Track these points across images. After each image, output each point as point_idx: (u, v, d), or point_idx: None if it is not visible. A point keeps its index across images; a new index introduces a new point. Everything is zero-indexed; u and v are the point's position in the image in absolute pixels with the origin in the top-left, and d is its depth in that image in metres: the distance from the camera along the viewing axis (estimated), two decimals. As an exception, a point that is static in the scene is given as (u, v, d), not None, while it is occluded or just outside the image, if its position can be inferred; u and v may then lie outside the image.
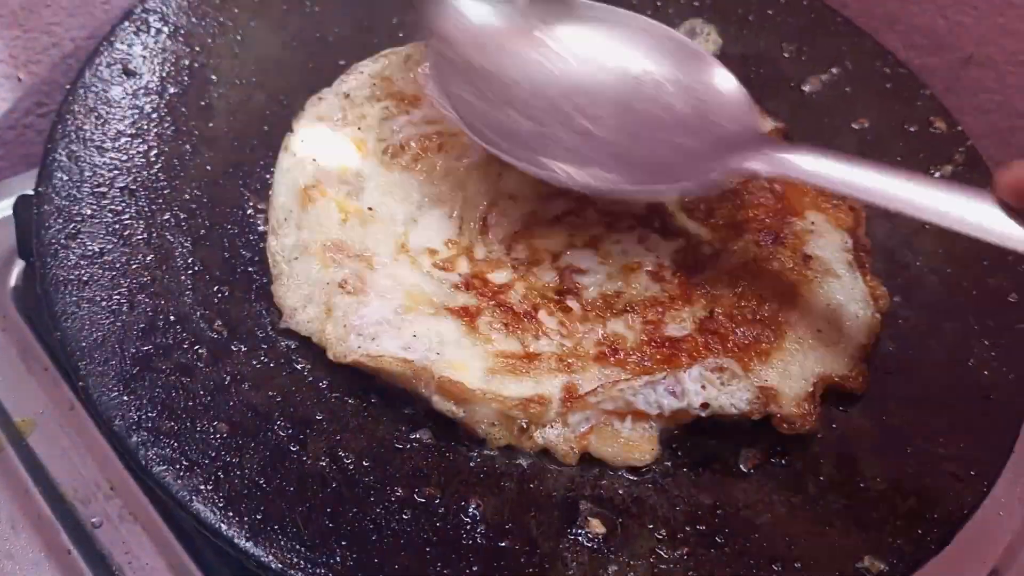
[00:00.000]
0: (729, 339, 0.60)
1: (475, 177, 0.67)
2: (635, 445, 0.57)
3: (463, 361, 0.58)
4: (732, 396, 0.58)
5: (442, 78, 0.66)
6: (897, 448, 0.59)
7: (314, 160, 0.67)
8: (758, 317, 0.61)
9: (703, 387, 0.57)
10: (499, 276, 0.63)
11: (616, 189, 0.62)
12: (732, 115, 0.64)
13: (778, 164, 0.58)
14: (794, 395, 0.58)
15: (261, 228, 0.65)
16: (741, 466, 0.58)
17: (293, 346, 0.59)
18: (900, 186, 0.54)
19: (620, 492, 0.56)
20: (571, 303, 0.62)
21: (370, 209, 0.65)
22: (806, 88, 0.79)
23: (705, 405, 0.58)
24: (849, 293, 0.63)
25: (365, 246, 0.63)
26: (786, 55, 0.81)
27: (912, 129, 0.76)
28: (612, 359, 0.59)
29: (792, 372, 0.59)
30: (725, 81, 0.66)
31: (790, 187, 0.69)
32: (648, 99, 0.66)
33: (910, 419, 0.60)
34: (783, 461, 0.58)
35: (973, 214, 0.52)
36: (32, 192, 0.61)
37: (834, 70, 0.79)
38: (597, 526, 0.54)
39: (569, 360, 0.58)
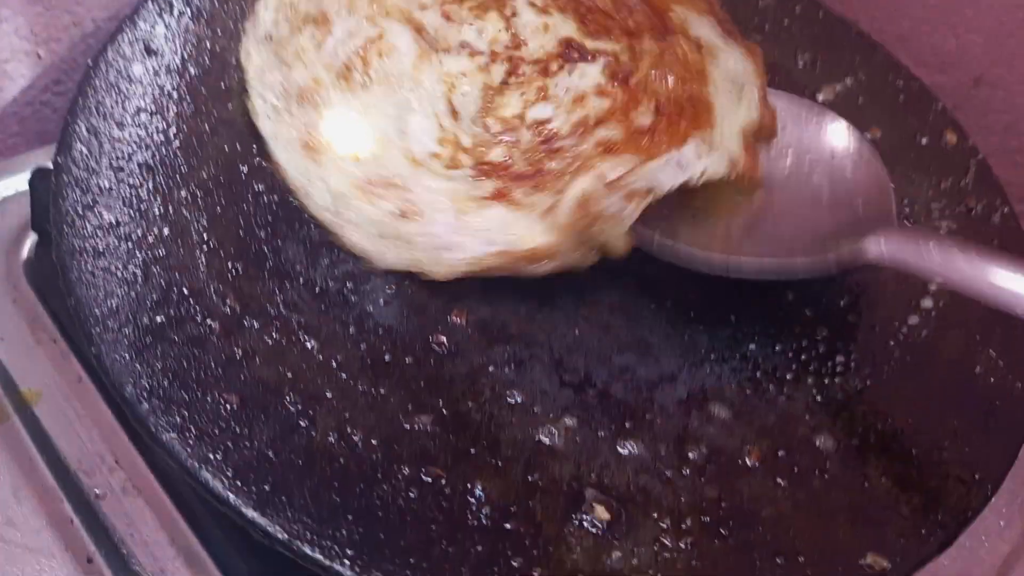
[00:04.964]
0: (683, 118, 0.64)
1: (423, 69, 0.68)
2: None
3: (530, 233, 0.61)
4: (715, 163, 0.62)
5: None
6: (902, 450, 0.59)
7: (289, 113, 0.67)
8: (692, 97, 0.65)
9: (699, 157, 0.62)
10: (495, 154, 0.65)
11: (737, 268, 0.62)
12: (867, 195, 0.64)
13: (906, 254, 0.56)
14: (739, 151, 0.63)
15: (276, 208, 0.65)
16: (746, 461, 0.58)
17: (304, 324, 0.59)
18: None
19: (625, 481, 0.56)
20: (557, 144, 0.64)
21: (365, 137, 0.66)
22: (820, 97, 0.79)
23: (702, 173, 0.62)
24: (736, 59, 0.69)
25: (389, 172, 0.64)
26: (800, 65, 0.81)
27: (924, 142, 0.77)
28: (615, 153, 0.62)
29: (727, 134, 0.64)
30: (862, 156, 0.66)
31: None
32: (783, 174, 0.67)
33: (916, 422, 0.60)
34: (787, 457, 0.58)
35: None
36: (49, 166, 0.61)
37: (847, 81, 0.80)
38: (602, 513, 0.54)
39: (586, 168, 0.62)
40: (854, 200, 0.64)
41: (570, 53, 0.68)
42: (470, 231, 0.62)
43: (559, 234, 0.61)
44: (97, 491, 0.58)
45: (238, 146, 0.66)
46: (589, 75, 0.67)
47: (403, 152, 0.65)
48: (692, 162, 0.63)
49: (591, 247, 0.63)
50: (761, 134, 0.67)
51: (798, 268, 0.61)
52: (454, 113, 0.66)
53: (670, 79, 0.66)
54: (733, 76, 0.68)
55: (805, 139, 0.68)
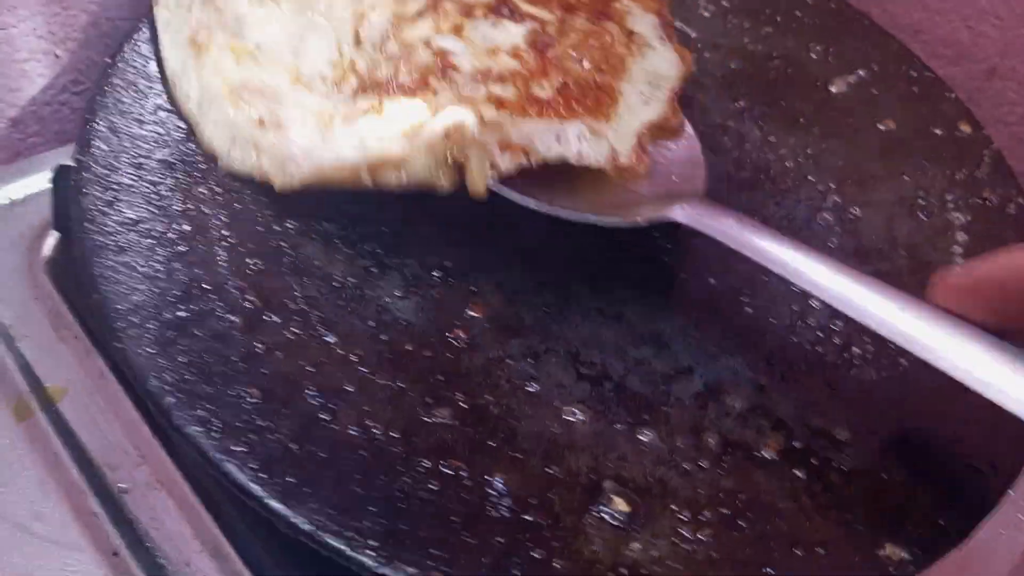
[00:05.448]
0: (583, 103, 0.64)
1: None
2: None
3: (387, 144, 0.61)
4: (594, 150, 0.63)
5: None
6: (920, 440, 0.59)
7: (188, 10, 0.68)
8: (600, 85, 0.66)
9: (579, 139, 0.63)
10: (385, 72, 0.66)
11: (561, 213, 0.64)
12: (681, 173, 0.68)
13: (698, 220, 0.62)
14: (628, 146, 0.64)
15: (293, 205, 0.65)
16: (763, 453, 0.59)
17: (323, 319, 0.60)
18: (825, 275, 0.56)
19: (643, 473, 0.57)
20: (452, 73, 0.65)
21: (257, 47, 0.67)
22: (832, 88, 0.80)
23: (578, 155, 0.63)
24: (665, 61, 0.70)
25: (265, 83, 0.65)
26: (813, 56, 0.81)
27: (937, 132, 0.77)
28: (501, 107, 0.63)
29: (622, 128, 0.65)
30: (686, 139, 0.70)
31: None
32: None
33: (933, 413, 0.61)
34: (805, 449, 0.59)
35: (903, 317, 0.53)
36: (71, 163, 0.62)
37: (861, 72, 0.80)
38: (621, 504, 0.55)
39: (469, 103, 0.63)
40: (672, 177, 0.68)
41: (500, 7, 0.69)
42: (326, 144, 0.62)
43: (415, 148, 0.61)
44: (122, 486, 0.59)
45: (256, 143, 0.67)
46: (511, 34, 0.67)
47: (289, 68, 0.66)
48: (571, 141, 0.63)
49: (447, 168, 0.62)
50: (663, 134, 0.68)
51: (615, 223, 0.64)
52: (358, 40, 0.67)
53: (586, 63, 0.67)
54: (654, 76, 0.69)
55: None
